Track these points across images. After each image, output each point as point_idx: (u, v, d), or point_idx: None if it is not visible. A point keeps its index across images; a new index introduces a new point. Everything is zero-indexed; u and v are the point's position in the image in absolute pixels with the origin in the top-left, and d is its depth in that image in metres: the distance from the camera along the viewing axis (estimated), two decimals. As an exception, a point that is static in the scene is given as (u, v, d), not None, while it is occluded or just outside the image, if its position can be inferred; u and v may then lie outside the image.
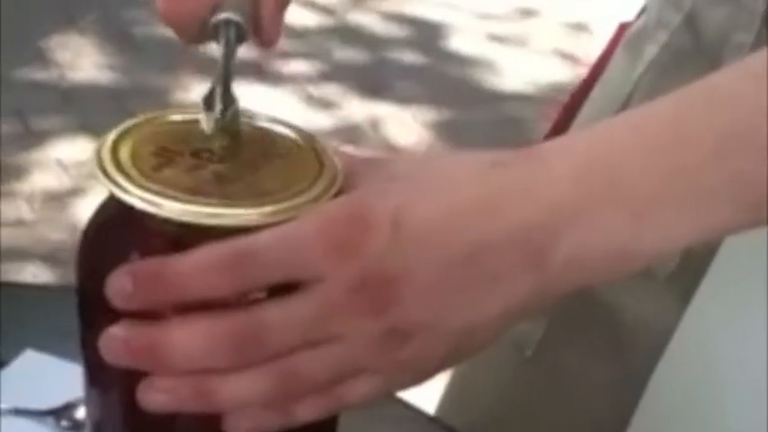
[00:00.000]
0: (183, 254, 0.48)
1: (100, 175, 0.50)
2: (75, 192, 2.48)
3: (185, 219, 0.49)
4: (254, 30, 0.58)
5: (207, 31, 0.57)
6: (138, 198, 0.49)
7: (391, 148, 2.76)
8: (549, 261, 0.50)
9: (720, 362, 0.70)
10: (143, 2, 3.00)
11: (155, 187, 0.50)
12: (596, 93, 0.88)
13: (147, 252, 0.49)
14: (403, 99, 2.97)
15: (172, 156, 0.52)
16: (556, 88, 3.00)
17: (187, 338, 0.48)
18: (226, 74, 0.54)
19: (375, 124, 2.85)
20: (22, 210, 2.42)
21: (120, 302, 0.47)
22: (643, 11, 0.88)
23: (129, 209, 0.49)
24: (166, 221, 0.49)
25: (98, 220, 0.53)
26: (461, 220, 0.50)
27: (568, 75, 3.05)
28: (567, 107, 0.92)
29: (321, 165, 0.53)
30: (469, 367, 0.85)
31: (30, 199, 2.46)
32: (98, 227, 0.53)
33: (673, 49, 0.80)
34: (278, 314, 0.48)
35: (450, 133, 2.85)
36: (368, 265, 0.48)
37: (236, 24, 0.56)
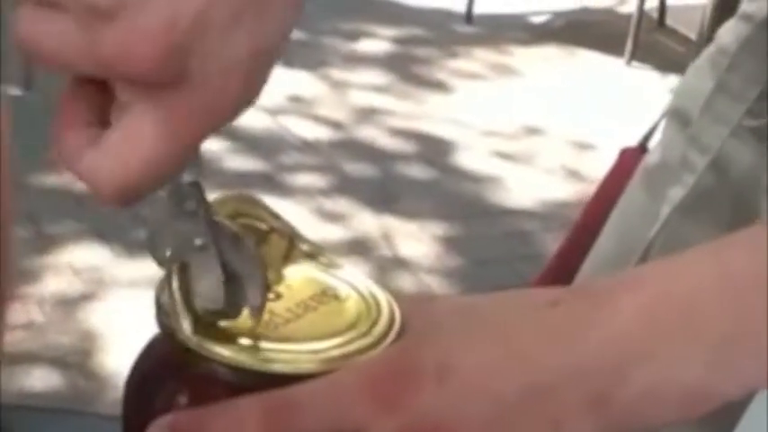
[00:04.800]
0: (225, 405, 0.47)
1: (155, 311, 0.49)
2: (86, 296, 2.48)
3: (239, 365, 0.47)
4: None
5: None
6: (191, 340, 0.48)
7: (400, 261, 2.78)
8: (614, 401, 0.47)
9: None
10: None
11: (209, 328, 0.48)
12: (613, 227, 0.86)
13: (195, 394, 0.48)
14: (411, 212, 3.00)
15: None
16: (561, 204, 3.03)
17: None
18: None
19: (385, 236, 2.87)
20: (33, 313, 2.42)
21: None
22: (647, 137, 0.88)
23: (182, 348, 0.48)
24: (219, 365, 0.48)
25: (148, 356, 0.52)
26: (514, 364, 0.47)
27: (573, 191, 3.08)
28: (578, 231, 0.90)
29: (378, 310, 0.50)
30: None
31: (41, 302, 2.45)
32: (147, 364, 0.52)
33: (699, 192, 0.79)
34: None
35: (458, 246, 2.86)
36: (413, 419, 0.46)
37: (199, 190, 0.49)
